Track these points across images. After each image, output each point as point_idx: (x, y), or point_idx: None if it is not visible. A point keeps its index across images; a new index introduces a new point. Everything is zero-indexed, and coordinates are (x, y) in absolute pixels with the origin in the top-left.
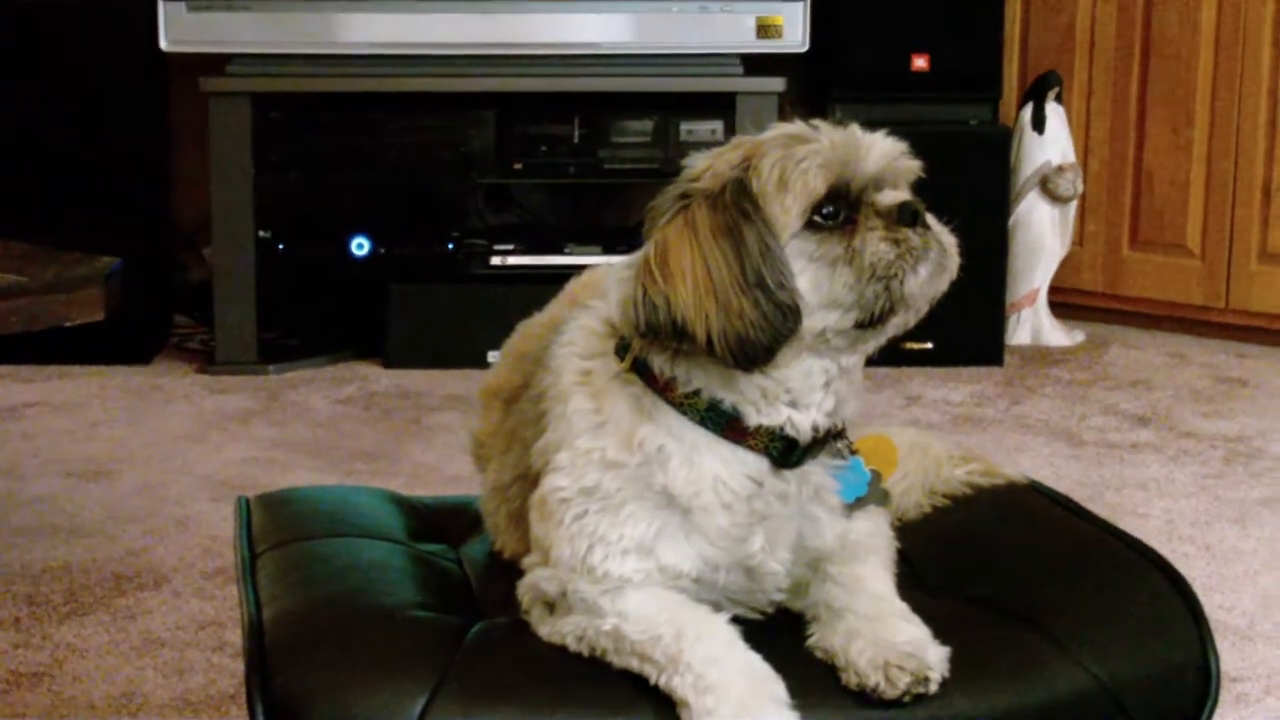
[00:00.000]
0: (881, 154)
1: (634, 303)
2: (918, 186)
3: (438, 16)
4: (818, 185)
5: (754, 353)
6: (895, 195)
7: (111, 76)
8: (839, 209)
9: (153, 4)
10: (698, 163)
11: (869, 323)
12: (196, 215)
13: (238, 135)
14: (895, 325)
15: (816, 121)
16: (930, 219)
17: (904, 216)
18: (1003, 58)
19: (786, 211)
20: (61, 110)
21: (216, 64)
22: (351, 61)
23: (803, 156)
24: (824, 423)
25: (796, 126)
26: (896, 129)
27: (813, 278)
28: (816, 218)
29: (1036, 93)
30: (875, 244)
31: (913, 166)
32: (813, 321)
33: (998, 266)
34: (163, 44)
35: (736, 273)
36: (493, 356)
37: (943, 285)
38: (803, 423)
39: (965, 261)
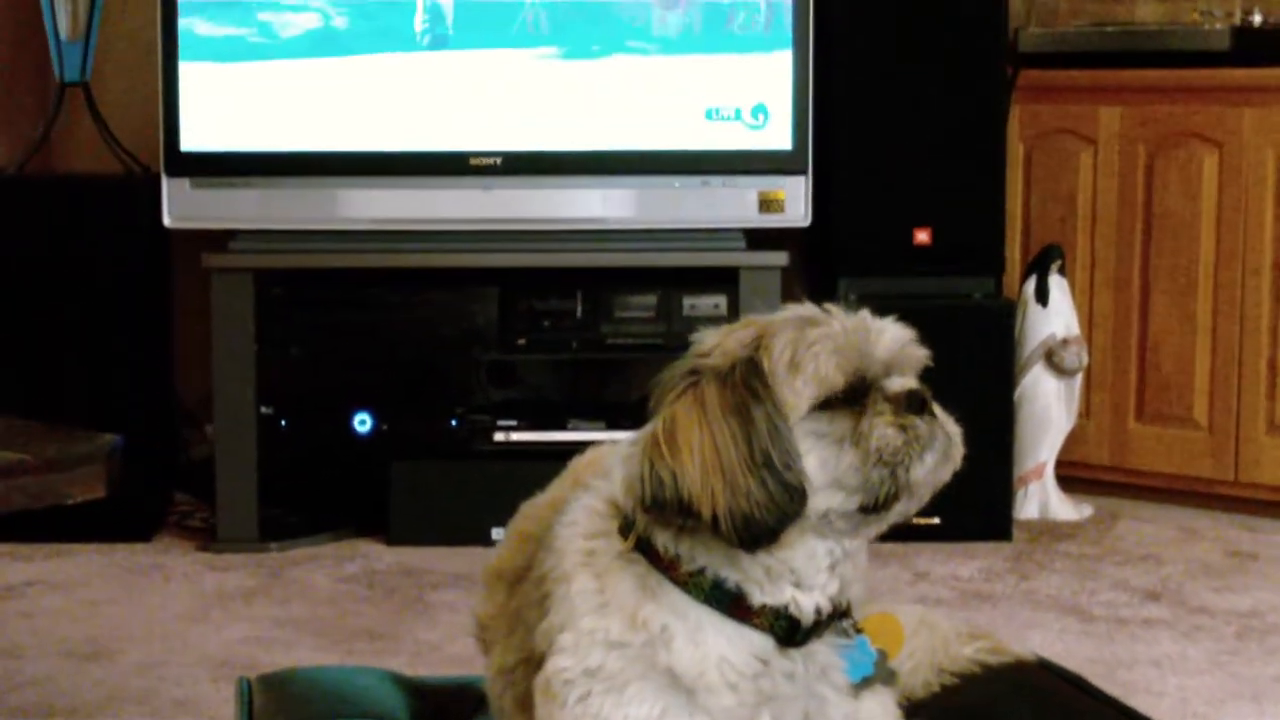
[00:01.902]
0: (892, 341)
1: (641, 478)
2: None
3: (440, 192)
4: (833, 375)
5: (759, 533)
6: (904, 382)
7: (114, 252)
8: (848, 392)
9: (156, 180)
10: (707, 339)
11: (873, 507)
12: (198, 391)
13: (240, 311)
14: (898, 512)
15: (829, 305)
16: (937, 408)
17: (912, 404)
18: (1005, 231)
19: (797, 394)
20: (64, 285)
21: (219, 240)
22: (354, 237)
23: (814, 340)
24: (827, 606)
25: (808, 308)
26: (900, 302)
27: (820, 457)
28: (826, 398)
29: (1039, 266)
30: (882, 429)
31: (921, 355)
32: (817, 502)
33: (1003, 440)
34: (166, 220)
35: (744, 452)
36: (497, 533)
37: (946, 474)
38: (806, 604)
39: (971, 435)
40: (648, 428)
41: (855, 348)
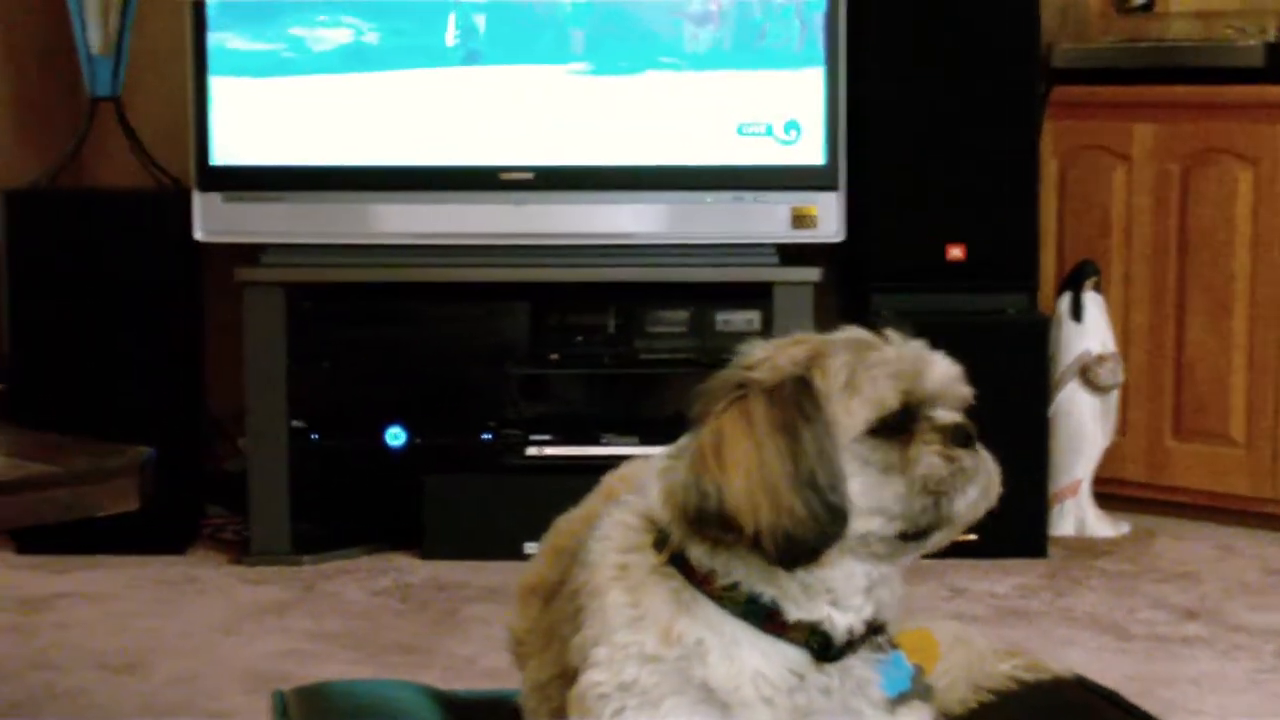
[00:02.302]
0: (942, 374)
1: (685, 488)
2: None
3: (472, 207)
4: (889, 399)
5: (800, 551)
6: (951, 415)
7: (145, 266)
8: (897, 419)
9: (187, 194)
10: (754, 352)
11: (912, 535)
12: (231, 404)
13: (272, 325)
14: (935, 541)
15: (886, 330)
16: (979, 445)
17: (959, 437)
18: (1039, 247)
19: (851, 415)
20: (95, 299)
21: (251, 254)
22: (386, 251)
23: (873, 363)
24: (860, 628)
25: (863, 332)
26: (933, 319)
27: (864, 483)
28: (875, 424)
29: (1074, 282)
30: (930, 459)
31: (966, 393)
32: (858, 525)
33: (1039, 457)
34: (197, 234)
35: (790, 470)
36: (530, 548)
37: (983, 509)
38: (840, 623)
39: (1006, 452)
40: (688, 438)
41: (910, 375)
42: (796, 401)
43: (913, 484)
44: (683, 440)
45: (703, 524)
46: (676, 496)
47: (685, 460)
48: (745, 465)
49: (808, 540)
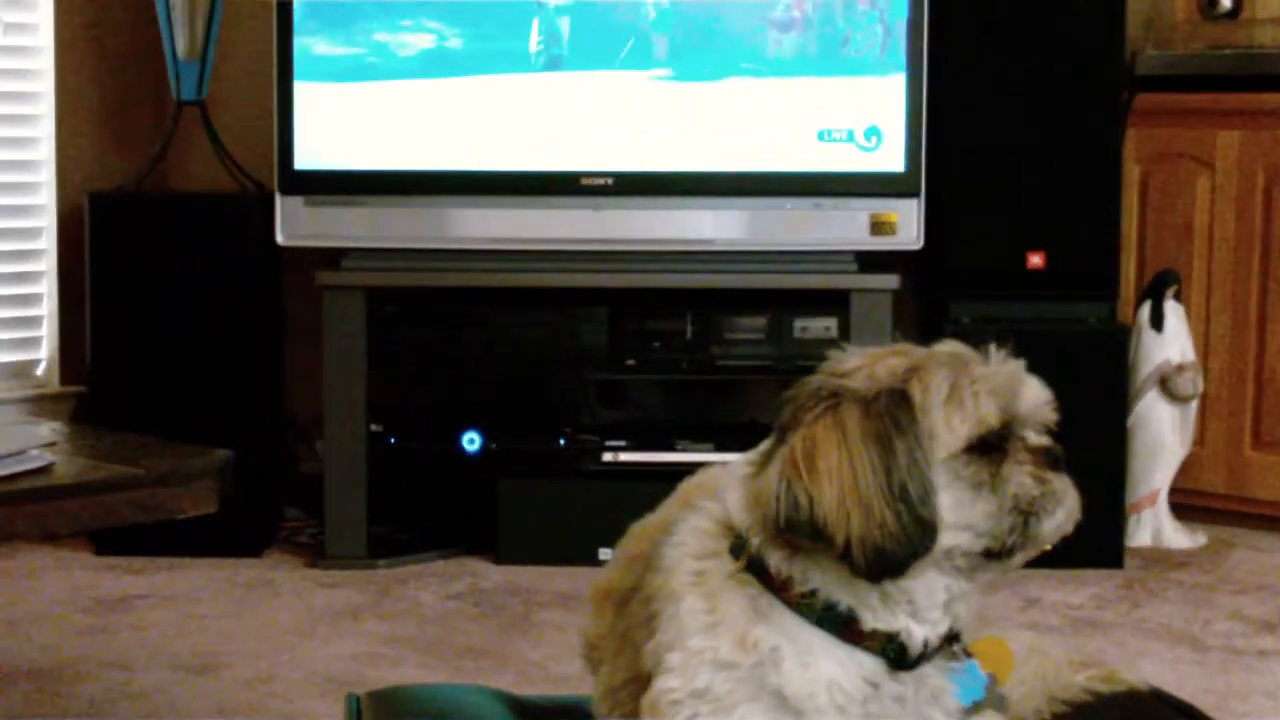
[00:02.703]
0: (1036, 396)
1: (776, 496)
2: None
3: (551, 212)
4: (991, 416)
5: (889, 564)
6: (1042, 438)
7: (228, 269)
8: (991, 436)
9: (270, 198)
10: (847, 360)
11: (996, 553)
12: (309, 408)
13: (352, 329)
14: (1016, 561)
15: (987, 347)
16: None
17: (1050, 459)
18: (1120, 255)
19: (952, 430)
20: (178, 301)
21: (332, 258)
22: (465, 256)
23: (976, 378)
24: (935, 642)
25: (963, 347)
26: (1012, 327)
27: (955, 498)
28: (970, 440)
29: (1154, 291)
30: (1022, 478)
31: (1053, 417)
32: (945, 539)
33: (1117, 467)
34: (279, 238)
35: (883, 481)
36: (604, 554)
37: (1063, 534)
38: (918, 634)
39: (1084, 461)
40: (770, 443)
41: (1009, 394)
42: (892, 413)
43: (1003, 502)
44: (765, 445)
45: (793, 532)
46: (765, 503)
47: (775, 467)
48: (838, 475)
49: (897, 553)
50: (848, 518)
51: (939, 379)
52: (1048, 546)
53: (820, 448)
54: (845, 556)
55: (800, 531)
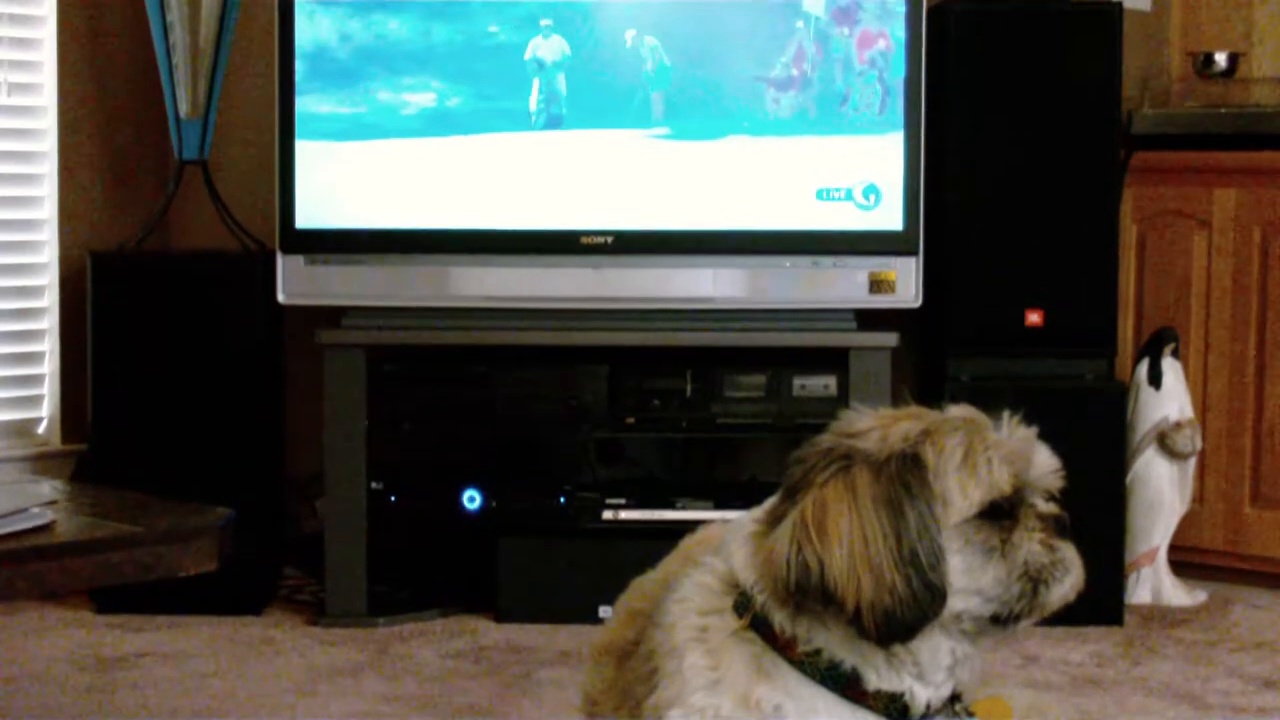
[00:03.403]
0: (1046, 464)
1: (787, 561)
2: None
3: (551, 270)
4: (1004, 482)
5: (898, 629)
6: (1051, 505)
7: (230, 327)
8: (1002, 502)
9: (271, 256)
10: (859, 421)
11: (1003, 618)
12: (309, 466)
13: (352, 387)
14: (1022, 626)
15: (1001, 414)
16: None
17: (1059, 527)
18: (1118, 313)
19: (966, 496)
20: (179, 360)
21: (332, 316)
22: (465, 315)
23: (990, 446)
24: (938, 703)
25: (976, 412)
26: (1011, 384)
27: (966, 562)
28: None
29: (1153, 348)
30: (1033, 546)
31: (1060, 484)
32: (954, 603)
33: (1116, 524)
34: (280, 296)
35: (893, 546)
36: (604, 611)
37: (1065, 603)
38: (921, 696)
39: (1083, 519)
40: (777, 502)
41: (1021, 461)
42: (903, 477)
43: (1013, 569)
44: (771, 503)
45: (803, 596)
46: (774, 565)
47: (785, 530)
48: (848, 540)
49: (906, 618)
50: (858, 583)
51: (953, 444)
52: (1051, 613)
53: (831, 511)
54: (855, 620)
55: (810, 595)
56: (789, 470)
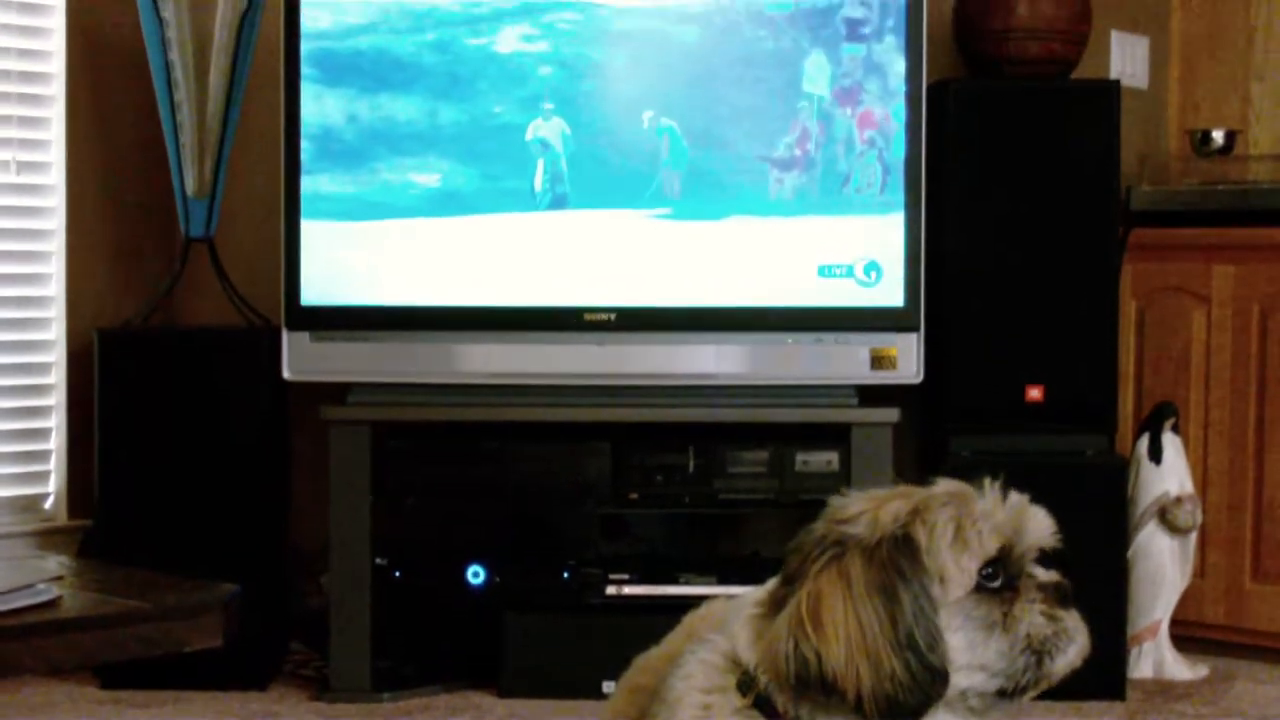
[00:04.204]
0: (1041, 527)
1: (785, 656)
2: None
3: (555, 348)
4: (990, 545)
5: (901, 714)
6: (1051, 573)
7: (235, 404)
8: (998, 573)
9: (277, 333)
10: (849, 505)
11: (1011, 691)
12: (313, 541)
13: (357, 462)
14: (1029, 697)
15: (983, 482)
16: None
17: (1060, 595)
18: (1118, 388)
19: (962, 570)
20: (184, 435)
21: (337, 392)
22: (469, 391)
23: (978, 517)
24: None
25: (961, 485)
26: (1012, 460)
27: (967, 638)
28: (979, 579)
29: (1153, 423)
30: (1035, 617)
31: (1055, 543)
32: (957, 680)
33: (1118, 598)
34: (285, 372)
35: (889, 632)
36: (608, 687)
37: (1070, 671)
38: None
39: (1084, 593)
40: (773, 584)
41: (1012, 526)
42: (895, 561)
43: (1016, 642)
44: (772, 585)
45: (804, 689)
46: (775, 658)
47: (782, 622)
48: (844, 630)
49: (909, 702)
50: (857, 672)
51: (943, 519)
52: (1057, 682)
53: (825, 602)
54: (858, 708)
55: (811, 687)
56: (786, 559)
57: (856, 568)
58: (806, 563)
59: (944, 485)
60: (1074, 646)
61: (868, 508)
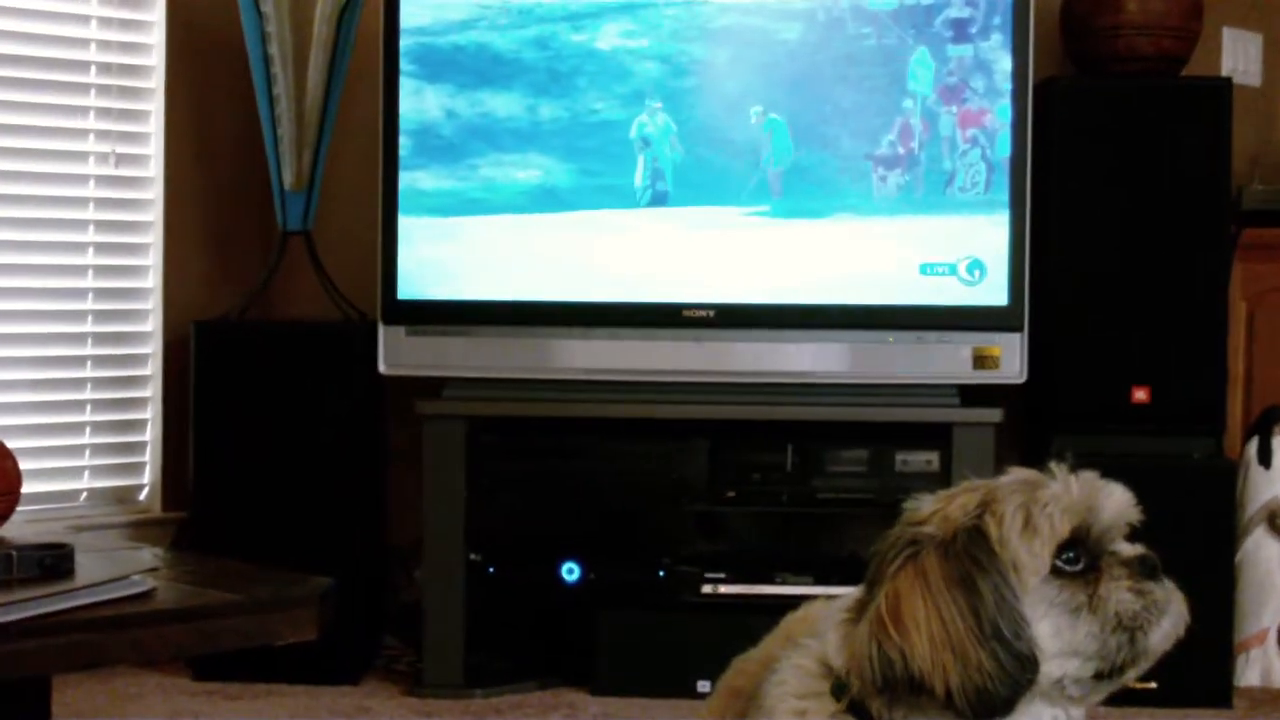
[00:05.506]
0: (1118, 504)
1: (869, 659)
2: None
3: (653, 344)
4: (1061, 528)
5: (994, 705)
6: (1134, 547)
7: (331, 398)
8: (1079, 555)
9: (373, 327)
10: (923, 506)
11: (1108, 673)
12: (408, 536)
13: (452, 457)
14: (1129, 678)
15: (1052, 465)
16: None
17: (1145, 568)
18: (1226, 391)
19: (1034, 556)
20: (281, 429)
21: (433, 387)
22: (565, 387)
23: (1046, 501)
24: None
25: (1031, 472)
26: (1117, 462)
27: (1054, 624)
28: (1058, 563)
29: (1263, 426)
30: (1121, 594)
31: (1138, 517)
32: (1050, 668)
33: (1225, 605)
34: (381, 367)
35: (972, 624)
36: (702, 686)
37: (1171, 643)
38: None
39: (1191, 599)
40: (860, 591)
41: (1085, 506)
42: (970, 552)
43: (1106, 622)
44: (858, 592)
45: (891, 691)
46: (861, 664)
47: (865, 626)
48: (926, 626)
49: (1000, 692)
50: (944, 667)
51: (1011, 508)
52: (1159, 656)
53: (905, 601)
54: (949, 703)
55: (899, 688)
56: (868, 564)
57: (932, 564)
58: (884, 565)
59: (1013, 474)
60: (1167, 618)
61: (939, 505)
